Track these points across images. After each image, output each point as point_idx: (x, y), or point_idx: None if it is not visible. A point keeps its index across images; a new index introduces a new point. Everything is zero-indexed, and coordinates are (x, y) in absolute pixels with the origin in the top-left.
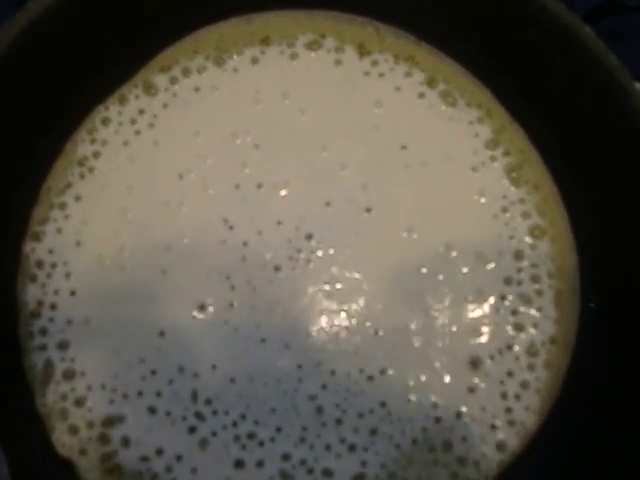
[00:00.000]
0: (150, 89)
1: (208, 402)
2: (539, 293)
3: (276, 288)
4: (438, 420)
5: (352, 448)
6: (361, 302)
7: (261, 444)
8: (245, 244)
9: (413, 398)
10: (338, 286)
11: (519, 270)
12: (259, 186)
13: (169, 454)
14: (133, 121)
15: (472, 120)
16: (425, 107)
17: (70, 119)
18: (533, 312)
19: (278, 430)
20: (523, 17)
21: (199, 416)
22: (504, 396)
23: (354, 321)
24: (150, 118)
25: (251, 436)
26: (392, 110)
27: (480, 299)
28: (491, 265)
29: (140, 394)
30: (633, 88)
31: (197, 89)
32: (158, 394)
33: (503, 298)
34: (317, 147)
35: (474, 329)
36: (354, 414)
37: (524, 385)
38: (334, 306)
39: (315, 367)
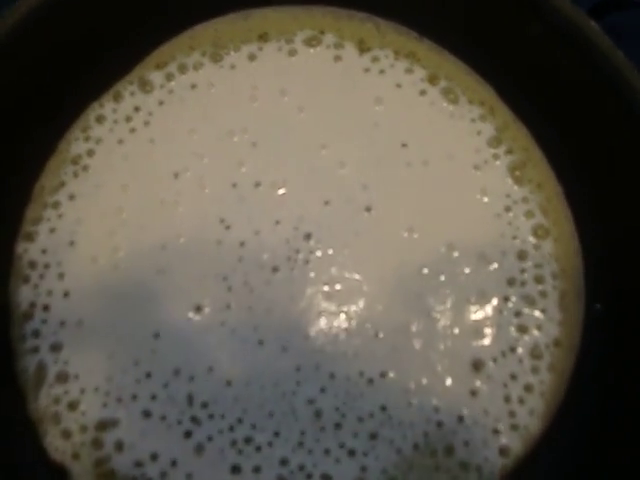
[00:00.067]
0: (146, 86)
1: (204, 406)
2: (543, 294)
3: (274, 289)
4: (440, 424)
5: (352, 453)
6: (361, 303)
7: (258, 449)
8: (242, 244)
9: (414, 402)
10: (337, 287)
11: (522, 271)
12: (256, 185)
13: (164, 459)
14: (128, 119)
15: (474, 118)
16: (426, 104)
17: (64, 116)
18: (537, 314)
19: (276, 434)
20: (526, 12)
21: (195, 420)
22: (507, 399)
23: (354, 323)
24: (145, 115)
25: (248, 441)
26: (393, 107)
27: (483, 300)
28: (494, 265)
29: (134, 397)
30: None
31: (193, 86)
32: (153, 397)
33: (506, 299)
34: (316, 145)
35: (476, 331)
36: (354, 418)
37: (528, 388)
38: (333, 307)
39: (314, 370)
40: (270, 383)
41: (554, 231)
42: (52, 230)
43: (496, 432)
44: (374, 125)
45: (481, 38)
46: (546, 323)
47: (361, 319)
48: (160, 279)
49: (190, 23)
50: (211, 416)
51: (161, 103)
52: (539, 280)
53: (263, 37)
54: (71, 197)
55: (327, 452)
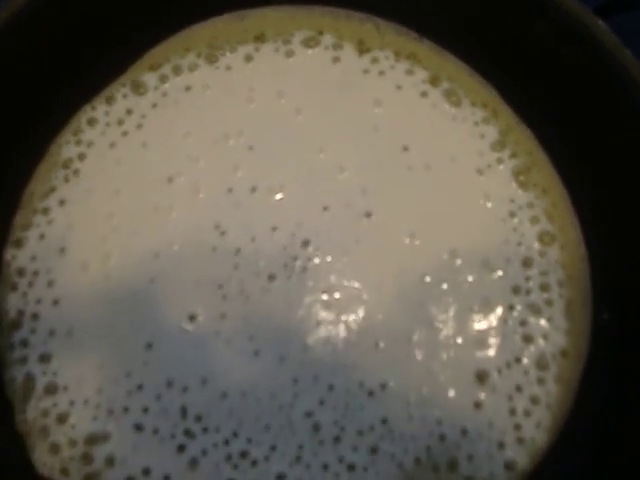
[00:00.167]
0: (139, 88)
1: (198, 419)
2: (549, 303)
3: (270, 298)
4: (442, 437)
5: (351, 468)
6: (361, 312)
7: (254, 463)
8: (238, 251)
9: (416, 414)
10: (336, 295)
11: (528, 278)
12: (253, 190)
13: (156, 474)
14: (120, 122)
15: (477, 120)
16: (428, 107)
17: (54, 119)
18: (543, 323)
19: (272, 448)
20: (531, 10)
21: (188, 433)
22: (513, 412)
23: (353, 332)
24: (138, 118)
25: (244, 455)
26: (393, 110)
27: (487, 309)
28: (498, 273)
29: (126, 410)
30: None
31: (188, 88)
32: (145, 410)
33: (511, 308)
34: (314, 149)
35: (480, 341)
36: (353, 431)
37: (534, 400)
38: (332, 317)
39: (312, 381)
40: (266, 395)
41: (560, 237)
42: (42, 236)
43: (501, 445)
44: (374, 128)
45: (483, 38)
46: (552, 332)
47: (361, 329)
48: (153, 287)
49: (185, 23)
50: (205, 429)
51: (155, 106)
52: (545, 288)
53: (260, 38)
54: (61, 202)
55: (325, 467)
